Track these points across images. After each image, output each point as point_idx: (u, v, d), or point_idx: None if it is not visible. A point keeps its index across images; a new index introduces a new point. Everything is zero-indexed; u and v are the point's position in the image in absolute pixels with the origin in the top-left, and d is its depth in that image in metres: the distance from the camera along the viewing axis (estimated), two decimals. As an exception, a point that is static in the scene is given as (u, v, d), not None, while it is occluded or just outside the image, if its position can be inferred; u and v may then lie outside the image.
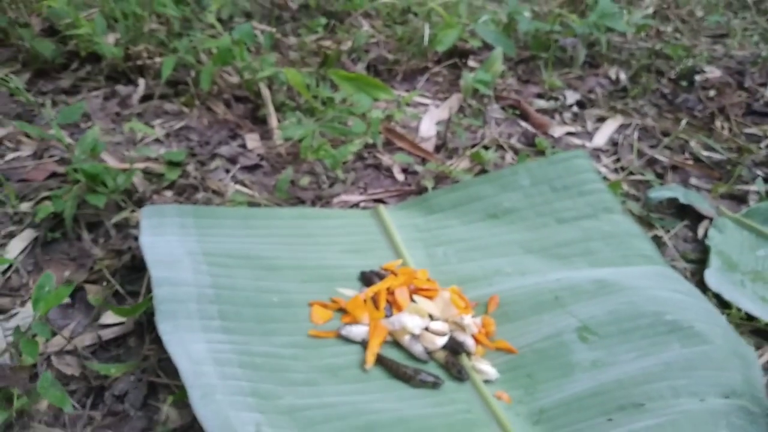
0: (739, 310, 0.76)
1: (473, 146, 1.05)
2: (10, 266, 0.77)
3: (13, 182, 0.90)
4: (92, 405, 0.62)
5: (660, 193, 0.94)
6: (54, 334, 0.67)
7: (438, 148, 1.05)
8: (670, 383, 0.58)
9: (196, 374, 0.54)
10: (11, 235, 0.81)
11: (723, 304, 0.77)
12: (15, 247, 0.79)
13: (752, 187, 1.02)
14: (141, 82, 1.15)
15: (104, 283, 0.75)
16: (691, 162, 1.08)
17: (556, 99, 1.22)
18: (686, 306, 0.67)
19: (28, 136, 1.01)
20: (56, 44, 1.16)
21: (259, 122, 1.09)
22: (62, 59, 1.19)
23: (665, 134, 1.14)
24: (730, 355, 0.62)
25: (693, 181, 1.04)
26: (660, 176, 1.04)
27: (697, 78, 1.30)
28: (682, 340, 0.63)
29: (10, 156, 0.97)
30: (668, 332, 0.64)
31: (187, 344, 0.58)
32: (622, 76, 1.32)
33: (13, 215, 0.84)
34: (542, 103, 1.20)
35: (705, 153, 1.11)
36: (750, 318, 0.76)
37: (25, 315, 0.71)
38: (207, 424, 0.50)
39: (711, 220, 0.92)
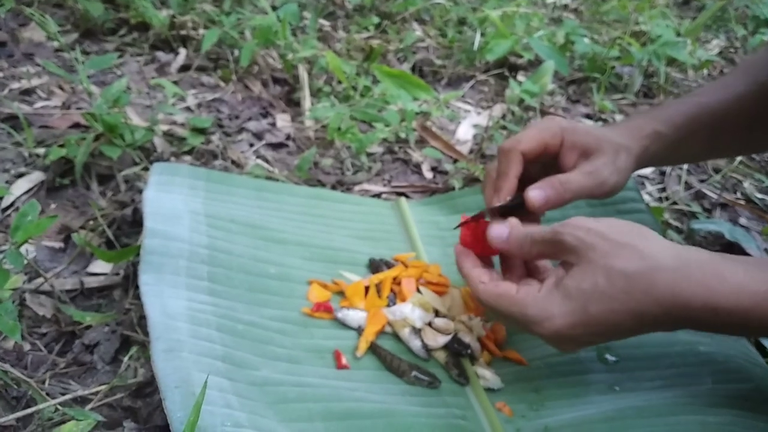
0: (780, 357, 0.68)
1: (510, 154, 0.99)
2: (12, 204, 0.75)
3: (35, 127, 0.88)
4: (59, 351, 0.58)
5: (704, 225, 0.86)
6: (37, 274, 0.63)
7: (472, 152, 1.00)
8: (699, 418, 0.50)
9: (166, 328, 0.49)
10: (21, 175, 0.79)
11: (762, 350, 0.69)
12: (20, 187, 0.77)
13: (808, 235, 0.93)
14: (182, 51, 1.14)
15: (99, 230, 0.71)
16: (742, 202, 1.00)
17: (605, 121, 1.16)
18: (722, 340, 0.60)
19: (61, 88, 1.00)
20: (110, 10, 1.16)
21: (293, 105, 1.06)
22: (112, 24, 1.18)
23: (717, 171, 1.06)
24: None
25: (742, 221, 0.96)
26: (707, 211, 0.97)
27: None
28: (714, 375, 0.55)
29: (39, 104, 0.95)
30: (700, 364, 0.56)
31: (166, 298, 0.53)
32: (678, 109, 1.24)
33: (27, 157, 0.82)
34: (590, 123, 1.14)
35: (759, 195, 1.02)
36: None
37: (13, 252, 0.68)
38: (164, 379, 0.44)
39: (760, 262, 0.84)
